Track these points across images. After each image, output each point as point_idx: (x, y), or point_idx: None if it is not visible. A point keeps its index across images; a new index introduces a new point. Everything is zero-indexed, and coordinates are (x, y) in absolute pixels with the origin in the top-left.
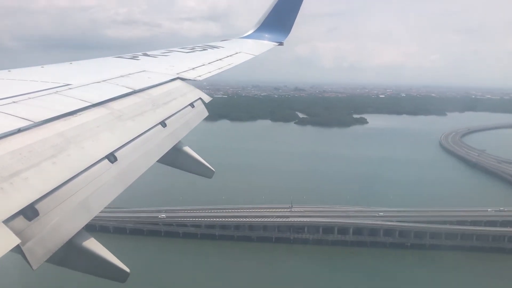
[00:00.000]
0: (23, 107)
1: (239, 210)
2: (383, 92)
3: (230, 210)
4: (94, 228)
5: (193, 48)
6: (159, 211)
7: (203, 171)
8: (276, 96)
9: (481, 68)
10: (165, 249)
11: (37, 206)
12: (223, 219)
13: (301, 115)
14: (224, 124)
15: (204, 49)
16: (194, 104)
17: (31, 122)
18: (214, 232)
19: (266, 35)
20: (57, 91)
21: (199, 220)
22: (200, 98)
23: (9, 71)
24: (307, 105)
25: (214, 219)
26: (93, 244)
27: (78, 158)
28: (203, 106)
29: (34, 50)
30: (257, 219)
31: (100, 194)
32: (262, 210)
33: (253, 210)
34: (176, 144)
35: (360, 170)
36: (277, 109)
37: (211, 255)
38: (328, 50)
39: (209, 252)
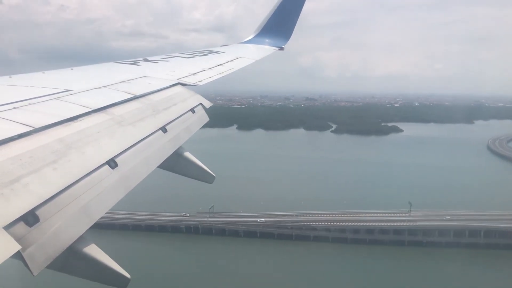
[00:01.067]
0: (24, 113)
1: (356, 215)
2: (394, 101)
3: (348, 215)
4: (224, 232)
5: (193, 54)
6: (285, 215)
7: (203, 177)
8: (291, 106)
9: (486, 77)
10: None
11: (37, 212)
12: (353, 223)
13: (332, 124)
14: (260, 133)
15: (205, 54)
16: (195, 109)
17: (32, 128)
18: (345, 236)
19: (267, 40)
20: (58, 97)
21: (329, 224)
22: (200, 104)
23: (10, 77)
24: (330, 114)
25: (344, 223)
26: (93, 250)
27: (78, 163)
28: (203, 111)
29: (40, 63)
30: (389, 223)
31: (101, 200)
32: (379, 214)
33: (370, 214)
34: (176, 150)
35: (438, 177)
36: (304, 118)
37: (349, 259)
38: (332, 60)
39: (346, 256)
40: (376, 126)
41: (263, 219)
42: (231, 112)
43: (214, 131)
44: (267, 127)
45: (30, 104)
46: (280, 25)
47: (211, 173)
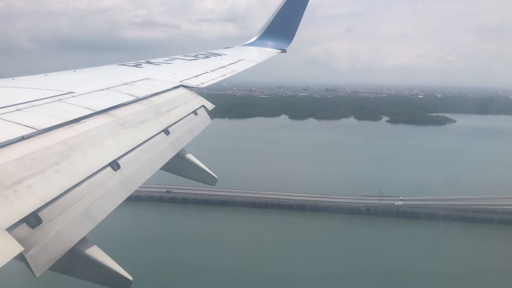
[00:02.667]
0: (26, 115)
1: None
2: (412, 92)
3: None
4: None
5: (196, 56)
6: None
7: (206, 179)
8: (318, 96)
9: (499, 69)
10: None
11: (40, 214)
12: None
13: (380, 114)
14: (315, 122)
15: (207, 57)
16: (197, 111)
17: (35, 130)
18: None
19: (269, 42)
20: (61, 99)
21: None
22: (203, 106)
23: (13, 79)
24: (368, 105)
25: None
26: (95, 252)
27: (81, 165)
28: (206, 113)
29: (51, 52)
30: None
31: (103, 202)
32: None
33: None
34: (179, 152)
35: None
36: (344, 108)
37: None
38: (343, 51)
39: None
40: (425, 116)
41: (400, 202)
42: (269, 102)
43: (269, 121)
44: (318, 117)
45: (33, 106)
46: (282, 28)
47: (213, 175)
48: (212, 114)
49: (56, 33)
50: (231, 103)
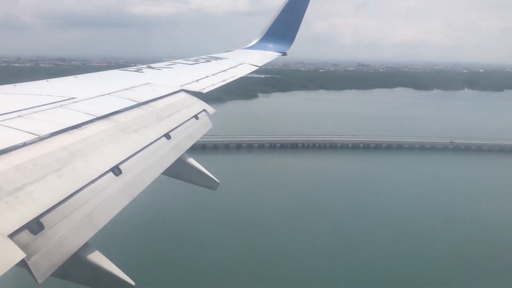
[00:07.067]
0: (28, 121)
1: None
2: (443, 68)
3: None
4: None
5: (196, 60)
6: None
7: (207, 183)
8: (371, 71)
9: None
10: None
11: (42, 220)
12: None
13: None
14: (441, 94)
15: (208, 61)
16: (198, 116)
17: (36, 136)
18: None
19: (270, 45)
20: (62, 105)
21: None
22: (204, 110)
23: (15, 85)
24: (436, 79)
25: None
26: (98, 258)
27: (83, 171)
28: (207, 118)
29: (56, 28)
30: None
31: (105, 207)
32: None
33: None
34: (180, 156)
35: None
36: (448, 80)
37: None
38: (351, 27)
39: None
40: None
41: None
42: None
43: (393, 92)
44: (443, 88)
45: (34, 112)
46: (283, 31)
47: (215, 179)
48: (340, 85)
49: (61, 9)
50: (331, 77)
